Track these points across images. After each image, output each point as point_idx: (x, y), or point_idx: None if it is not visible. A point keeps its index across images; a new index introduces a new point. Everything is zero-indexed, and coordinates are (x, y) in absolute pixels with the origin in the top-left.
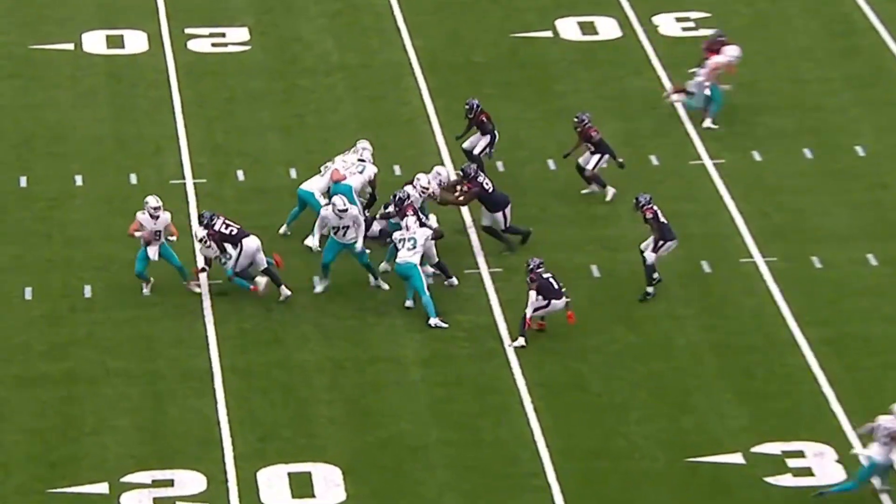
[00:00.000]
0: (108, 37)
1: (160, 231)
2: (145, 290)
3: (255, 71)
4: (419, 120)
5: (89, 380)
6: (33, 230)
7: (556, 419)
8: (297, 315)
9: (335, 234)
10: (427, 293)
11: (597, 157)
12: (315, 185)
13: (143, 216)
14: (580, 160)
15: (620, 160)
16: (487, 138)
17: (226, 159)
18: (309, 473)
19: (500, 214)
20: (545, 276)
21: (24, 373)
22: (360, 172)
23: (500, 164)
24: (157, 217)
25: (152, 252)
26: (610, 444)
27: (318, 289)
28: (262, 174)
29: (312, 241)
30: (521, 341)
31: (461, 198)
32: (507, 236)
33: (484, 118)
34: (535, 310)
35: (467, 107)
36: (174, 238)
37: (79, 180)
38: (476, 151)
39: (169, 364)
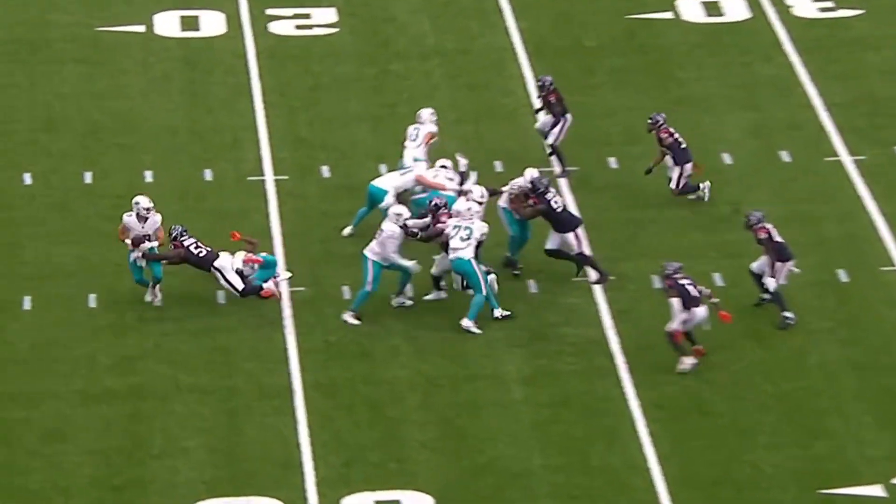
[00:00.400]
0: (182, 18)
1: (149, 235)
2: (147, 297)
3: (343, 56)
4: (523, 111)
5: (158, 396)
6: (99, 230)
7: (673, 444)
8: (386, 326)
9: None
10: (484, 293)
11: (677, 169)
12: (390, 183)
13: (129, 218)
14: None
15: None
16: (558, 122)
17: (309, 153)
18: (398, 502)
19: (570, 236)
20: (683, 281)
21: (88, 388)
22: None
23: (612, 161)
24: (147, 219)
25: (135, 256)
26: (733, 473)
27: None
28: (350, 170)
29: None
30: (688, 362)
31: (525, 211)
32: (587, 260)
33: (553, 98)
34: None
35: (538, 83)
36: (158, 243)
37: (148, 176)
38: (550, 140)
39: (245, 379)
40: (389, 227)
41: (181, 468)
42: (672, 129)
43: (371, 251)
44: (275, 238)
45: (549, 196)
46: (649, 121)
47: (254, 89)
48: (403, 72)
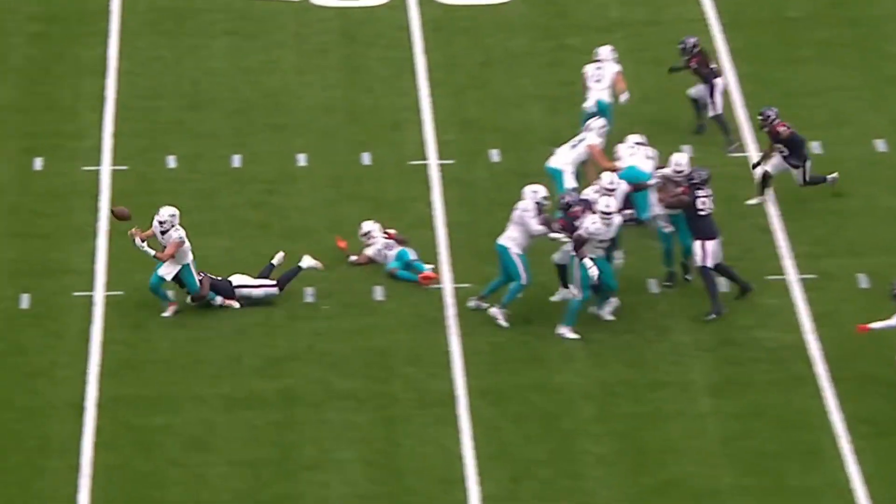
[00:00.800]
0: None
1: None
2: (166, 313)
3: (517, 28)
4: None
5: (310, 402)
6: (247, 219)
7: (880, 464)
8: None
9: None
10: (581, 297)
11: (799, 169)
12: (564, 160)
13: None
14: (770, 168)
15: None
16: (708, 88)
17: (478, 136)
18: None
19: (697, 245)
20: None
21: (233, 392)
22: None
23: (816, 145)
24: (166, 232)
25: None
26: None
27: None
28: (522, 154)
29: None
30: None
31: (670, 199)
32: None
33: (695, 62)
34: None
35: (681, 46)
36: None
37: (302, 159)
38: (711, 113)
39: (405, 385)
40: (524, 206)
41: (333, 482)
42: (787, 123)
43: (509, 239)
44: (437, 229)
45: (701, 193)
46: (760, 117)
47: (417, 65)
48: (583, 46)
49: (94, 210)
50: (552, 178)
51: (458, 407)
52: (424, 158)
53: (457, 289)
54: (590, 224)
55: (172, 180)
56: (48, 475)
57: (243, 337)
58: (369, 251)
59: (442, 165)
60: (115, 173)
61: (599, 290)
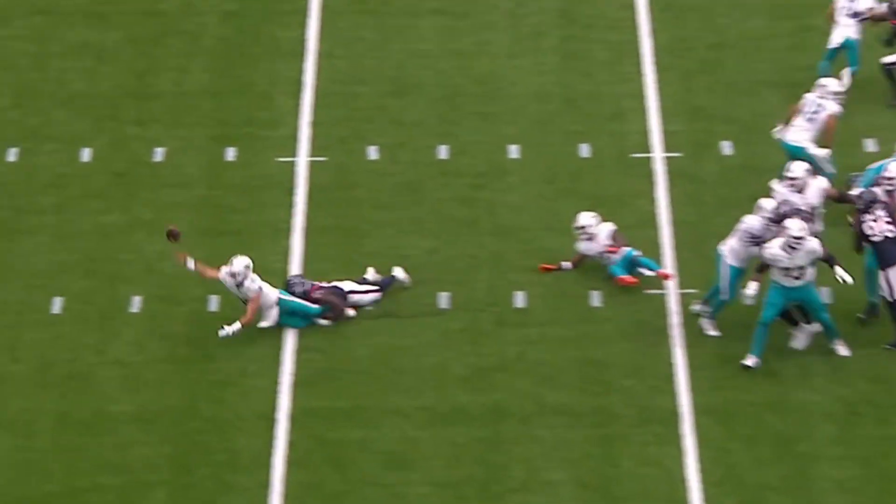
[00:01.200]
0: None
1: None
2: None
3: (754, 7)
4: None
5: (519, 418)
6: (453, 216)
7: None
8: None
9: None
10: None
11: None
12: (803, 136)
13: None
14: None
15: None
16: None
17: (708, 126)
18: None
19: (882, 276)
20: None
21: (437, 405)
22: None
23: None
24: (241, 284)
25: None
26: None
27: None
28: (756, 147)
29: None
30: None
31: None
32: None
33: None
34: None
35: (889, 5)
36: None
37: (514, 151)
38: None
39: (624, 400)
40: (749, 223)
41: None
42: None
43: (728, 248)
44: (661, 228)
45: (872, 215)
46: None
47: (642, 48)
48: (826, 27)
49: (289, 205)
50: (792, 156)
51: (682, 425)
52: (648, 151)
53: (682, 294)
54: (772, 247)
55: (373, 172)
56: (236, 492)
57: (447, 345)
58: (582, 246)
59: (667, 158)
60: (311, 165)
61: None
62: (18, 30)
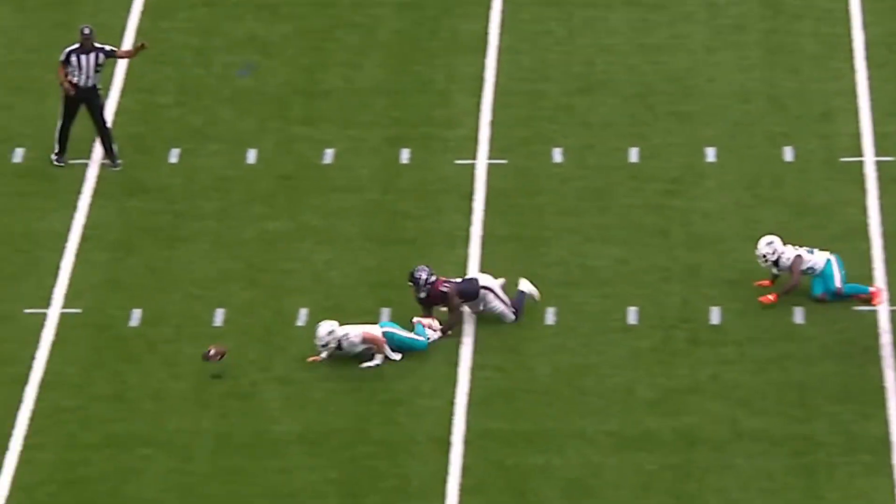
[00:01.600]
0: None
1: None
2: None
3: None
4: None
5: (714, 444)
6: (643, 224)
7: None
8: None
9: None
10: None
11: None
12: None
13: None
14: None
15: None
16: None
17: None
18: None
19: None
20: None
21: (623, 429)
22: None
23: None
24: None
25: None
26: None
27: None
28: None
29: None
30: None
31: None
32: None
33: None
34: None
35: None
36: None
37: (710, 154)
38: None
39: (828, 426)
40: None
41: None
42: None
43: None
44: (873, 240)
45: None
46: None
47: (854, 42)
48: None
49: (468, 211)
50: None
51: (894, 455)
52: (859, 154)
53: (893, 312)
54: None
55: (556, 177)
56: None
57: (636, 364)
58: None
59: (880, 163)
60: (491, 168)
61: None
62: (181, 22)
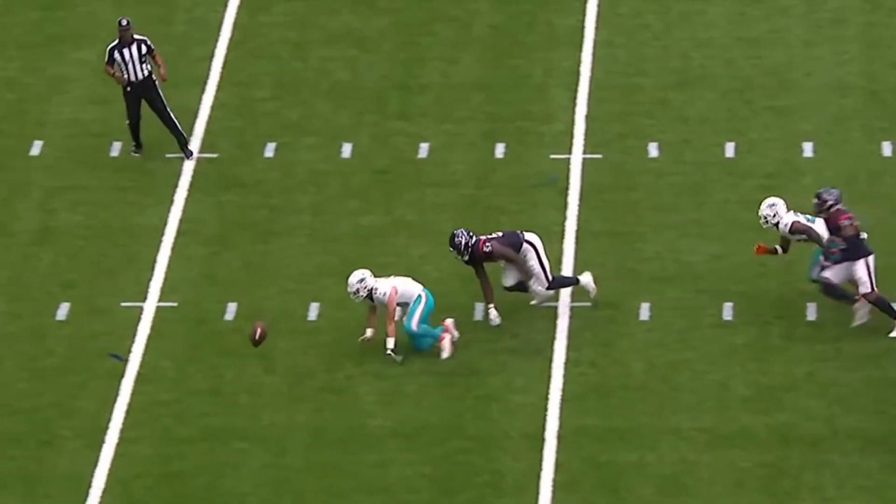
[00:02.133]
0: None
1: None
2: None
3: None
4: None
5: (809, 442)
6: (740, 221)
7: None
8: None
9: None
10: None
11: None
12: None
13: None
14: None
15: None
16: None
17: None
18: None
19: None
20: None
21: (718, 426)
22: None
23: None
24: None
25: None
26: None
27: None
28: None
29: None
30: None
31: None
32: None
33: None
34: None
35: None
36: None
37: (807, 149)
38: None
39: None
40: None
41: None
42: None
43: None
44: None
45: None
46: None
47: None
48: None
49: (562, 206)
50: None
51: None
52: None
53: None
54: None
55: (653, 172)
56: None
57: (731, 361)
58: None
59: None
60: (586, 163)
61: None
62: (278, 16)
